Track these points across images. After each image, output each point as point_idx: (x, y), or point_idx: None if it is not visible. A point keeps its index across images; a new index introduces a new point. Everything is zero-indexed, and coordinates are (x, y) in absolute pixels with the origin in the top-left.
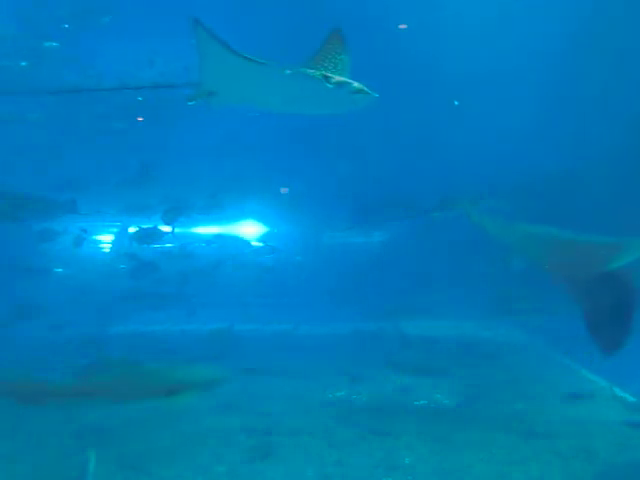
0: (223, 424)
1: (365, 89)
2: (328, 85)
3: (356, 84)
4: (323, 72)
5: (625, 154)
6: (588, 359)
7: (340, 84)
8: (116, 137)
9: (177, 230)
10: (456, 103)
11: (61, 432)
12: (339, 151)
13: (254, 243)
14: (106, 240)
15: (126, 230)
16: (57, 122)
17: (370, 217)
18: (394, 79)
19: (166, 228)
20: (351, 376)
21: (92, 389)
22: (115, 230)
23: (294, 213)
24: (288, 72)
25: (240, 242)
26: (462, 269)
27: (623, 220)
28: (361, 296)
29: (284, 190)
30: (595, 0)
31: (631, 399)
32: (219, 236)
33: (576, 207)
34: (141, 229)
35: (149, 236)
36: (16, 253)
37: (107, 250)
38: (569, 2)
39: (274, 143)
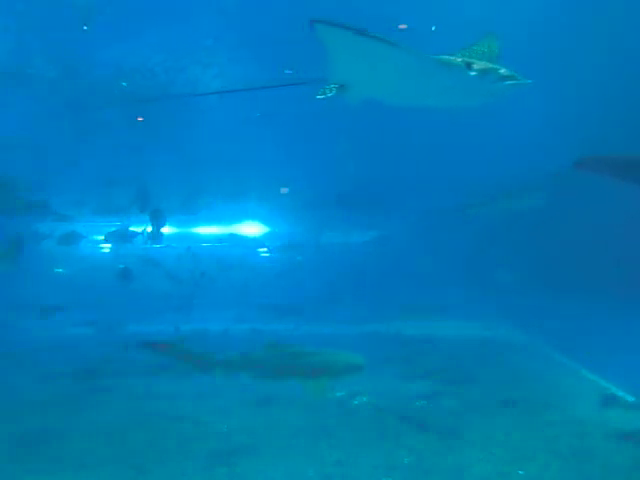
0: (222, 420)
1: (515, 75)
2: (470, 73)
3: (503, 70)
4: (465, 59)
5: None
6: (588, 359)
7: (484, 71)
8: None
9: (178, 230)
10: None
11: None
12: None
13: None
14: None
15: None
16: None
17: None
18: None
19: (146, 228)
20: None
21: (251, 364)
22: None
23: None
24: (426, 57)
25: (252, 242)
26: (463, 270)
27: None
28: (361, 296)
29: (284, 190)
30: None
31: (630, 398)
32: (232, 235)
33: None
34: (116, 230)
35: (122, 236)
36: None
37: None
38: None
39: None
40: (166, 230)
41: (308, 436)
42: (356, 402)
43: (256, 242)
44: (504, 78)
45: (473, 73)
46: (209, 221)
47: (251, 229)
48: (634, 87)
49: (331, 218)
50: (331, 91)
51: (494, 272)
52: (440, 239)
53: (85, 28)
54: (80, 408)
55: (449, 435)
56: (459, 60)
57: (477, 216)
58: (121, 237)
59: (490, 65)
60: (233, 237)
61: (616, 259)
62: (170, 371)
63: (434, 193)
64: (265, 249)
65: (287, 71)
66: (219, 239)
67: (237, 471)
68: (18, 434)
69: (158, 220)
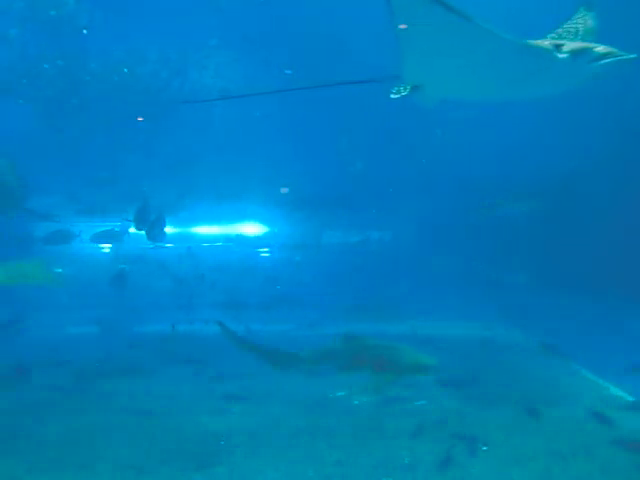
0: (223, 420)
1: (615, 52)
2: (560, 55)
3: (601, 48)
4: (555, 40)
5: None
6: (588, 359)
7: (577, 52)
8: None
9: (178, 231)
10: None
11: None
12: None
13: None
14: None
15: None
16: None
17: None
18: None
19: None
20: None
21: (328, 359)
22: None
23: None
24: (511, 40)
25: (260, 242)
26: (464, 270)
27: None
28: (360, 296)
29: (284, 190)
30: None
31: (629, 398)
32: (239, 236)
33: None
34: (103, 231)
35: (108, 237)
36: None
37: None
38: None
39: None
40: (168, 230)
41: (308, 436)
42: (356, 402)
43: (260, 242)
44: (601, 57)
45: (563, 55)
46: (209, 221)
47: (251, 229)
48: None
49: (333, 218)
50: (405, 90)
51: (505, 274)
52: (440, 239)
53: (85, 32)
54: (81, 408)
55: (449, 435)
56: (547, 43)
57: (484, 217)
58: (107, 238)
59: (584, 44)
60: (239, 237)
61: (617, 260)
62: (169, 371)
63: (435, 193)
64: (266, 249)
65: (287, 71)
66: (226, 239)
67: (237, 471)
68: (18, 434)
69: (159, 222)
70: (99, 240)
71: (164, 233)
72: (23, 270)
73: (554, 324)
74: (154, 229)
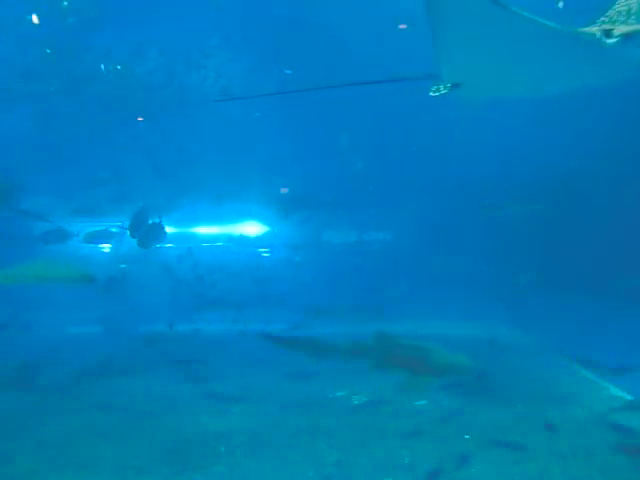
0: (223, 420)
1: None
2: (608, 41)
3: None
4: (604, 25)
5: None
6: (587, 359)
7: (627, 36)
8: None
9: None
10: None
11: None
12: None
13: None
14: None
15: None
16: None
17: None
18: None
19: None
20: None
21: (361, 352)
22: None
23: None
24: (553, 27)
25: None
26: (464, 270)
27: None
28: (360, 296)
29: (284, 190)
30: None
31: (629, 397)
32: (242, 237)
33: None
34: (95, 231)
35: (100, 237)
36: None
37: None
38: None
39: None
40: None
41: (308, 436)
42: (356, 402)
43: (259, 242)
44: None
45: (612, 41)
46: (209, 221)
47: (251, 229)
48: None
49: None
50: (445, 88)
51: (513, 274)
52: (440, 239)
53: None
54: (81, 408)
55: (449, 435)
56: (595, 29)
57: (491, 218)
58: (100, 238)
59: (634, 26)
60: (242, 238)
61: (617, 260)
62: (169, 372)
63: (435, 194)
64: (267, 249)
65: (287, 71)
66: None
67: (237, 471)
68: (18, 434)
69: (153, 231)
70: (93, 240)
71: (165, 233)
72: (54, 269)
73: (554, 324)
74: (147, 238)
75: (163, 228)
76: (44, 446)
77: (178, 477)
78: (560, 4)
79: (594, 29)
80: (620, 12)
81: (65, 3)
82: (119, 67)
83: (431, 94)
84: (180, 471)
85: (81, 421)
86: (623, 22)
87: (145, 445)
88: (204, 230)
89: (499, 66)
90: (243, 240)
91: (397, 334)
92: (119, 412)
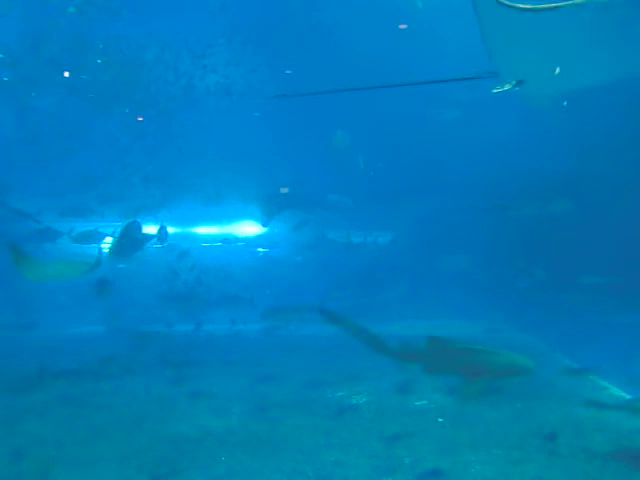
0: (223, 420)
1: None
2: None
3: None
4: None
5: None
6: (587, 359)
7: None
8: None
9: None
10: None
11: None
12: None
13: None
14: None
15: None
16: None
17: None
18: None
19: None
20: (350, 376)
21: (412, 357)
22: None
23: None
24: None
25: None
26: (465, 270)
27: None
28: (360, 297)
29: (284, 190)
30: None
31: (628, 397)
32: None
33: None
34: (84, 231)
35: (88, 237)
36: None
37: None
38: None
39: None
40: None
41: (308, 436)
42: (356, 402)
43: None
44: None
45: None
46: (208, 221)
47: (250, 229)
48: None
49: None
50: (510, 85)
51: (506, 274)
52: (441, 239)
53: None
54: (81, 408)
55: (449, 435)
56: None
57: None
58: (91, 238)
59: None
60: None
61: (618, 260)
62: (168, 372)
63: (435, 193)
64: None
65: (287, 71)
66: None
67: (237, 471)
68: (18, 434)
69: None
70: (82, 240)
71: (166, 233)
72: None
73: (554, 324)
74: (126, 250)
75: (165, 229)
76: (44, 445)
77: (178, 477)
78: None
79: None
80: None
81: None
82: (99, 61)
83: (494, 92)
84: (180, 471)
85: (81, 421)
86: None
87: (145, 445)
88: (201, 230)
89: (552, 55)
90: (240, 239)
91: (452, 338)
92: (119, 412)
